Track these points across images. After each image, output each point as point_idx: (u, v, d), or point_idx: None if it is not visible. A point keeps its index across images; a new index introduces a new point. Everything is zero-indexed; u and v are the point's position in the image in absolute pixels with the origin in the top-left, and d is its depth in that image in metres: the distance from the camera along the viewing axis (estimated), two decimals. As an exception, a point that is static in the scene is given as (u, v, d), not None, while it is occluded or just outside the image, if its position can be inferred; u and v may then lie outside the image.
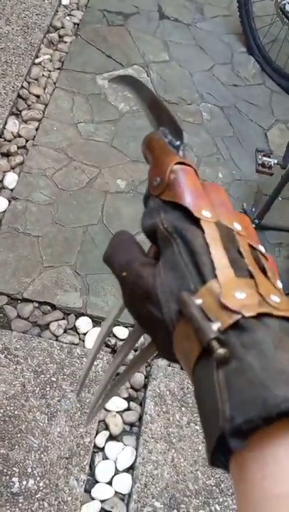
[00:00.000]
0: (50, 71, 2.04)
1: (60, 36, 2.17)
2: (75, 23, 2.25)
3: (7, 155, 1.75)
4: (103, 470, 1.29)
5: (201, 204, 0.35)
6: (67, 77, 2.05)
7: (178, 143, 0.40)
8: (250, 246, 0.35)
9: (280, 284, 0.34)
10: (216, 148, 2.02)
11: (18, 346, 1.38)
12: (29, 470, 1.24)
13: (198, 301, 0.30)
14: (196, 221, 0.34)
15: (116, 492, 1.28)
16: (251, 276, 0.32)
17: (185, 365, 0.31)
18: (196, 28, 2.46)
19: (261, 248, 0.36)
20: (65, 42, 2.16)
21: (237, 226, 0.36)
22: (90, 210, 1.70)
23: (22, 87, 1.92)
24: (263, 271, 0.34)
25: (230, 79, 2.31)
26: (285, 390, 0.24)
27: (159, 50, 2.29)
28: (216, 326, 0.28)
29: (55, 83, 2.00)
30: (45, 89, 1.97)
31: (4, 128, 1.80)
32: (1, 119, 1.81)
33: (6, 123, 1.81)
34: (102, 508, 1.25)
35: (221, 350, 0.27)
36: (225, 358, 0.27)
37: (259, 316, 0.29)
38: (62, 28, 2.20)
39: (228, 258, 0.32)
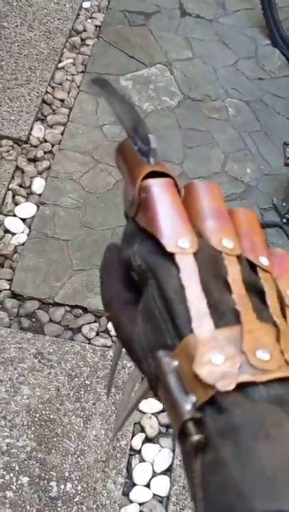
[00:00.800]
0: (73, 75, 2.05)
1: (82, 39, 2.18)
2: (96, 26, 2.25)
3: (34, 160, 1.76)
4: (140, 472, 1.29)
5: (178, 230, 0.29)
6: (90, 79, 2.05)
7: (146, 148, 0.33)
8: (249, 261, 0.30)
9: None
10: (243, 143, 2.00)
11: (51, 350, 1.38)
12: (66, 474, 1.24)
13: (175, 363, 0.25)
14: (170, 256, 0.28)
15: (154, 494, 1.27)
16: (239, 320, 0.26)
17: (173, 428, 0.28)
18: (219, 24, 2.43)
19: (262, 260, 0.30)
20: (88, 45, 2.17)
21: (227, 244, 0.29)
22: (117, 211, 1.69)
23: (46, 92, 1.93)
24: (262, 297, 0.28)
25: (255, 72, 2.28)
26: (264, 500, 0.20)
27: (181, 48, 2.27)
28: (190, 403, 0.24)
29: (78, 86, 2.01)
30: (69, 93, 1.97)
31: (30, 134, 1.82)
32: (27, 125, 1.82)
33: (31, 129, 1.83)
34: (140, 511, 1.25)
35: (195, 438, 0.23)
36: (201, 445, 0.23)
37: (241, 385, 0.24)
38: (84, 31, 2.21)
39: (206, 303, 0.26)
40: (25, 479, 1.23)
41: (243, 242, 0.30)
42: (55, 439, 1.27)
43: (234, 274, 0.28)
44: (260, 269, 0.30)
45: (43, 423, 1.29)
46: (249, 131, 2.04)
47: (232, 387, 0.23)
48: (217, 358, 0.24)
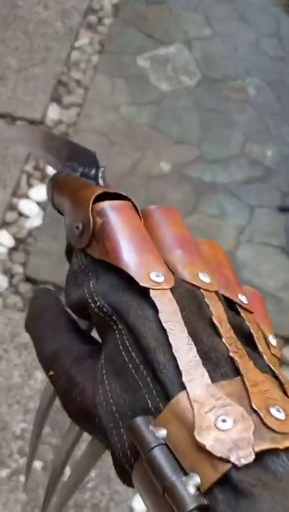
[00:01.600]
0: (90, 55, 2.01)
1: (99, 18, 2.13)
2: (114, 4, 2.20)
3: (49, 142, 1.73)
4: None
5: (147, 261, 0.23)
6: (107, 59, 2.01)
7: (93, 171, 0.29)
8: (226, 299, 0.25)
9: (273, 341, 0.24)
10: (264, 125, 1.94)
11: (65, 335, 1.37)
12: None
13: (162, 433, 0.19)
14: (143, 293, 0.22)
15: (168, 481, 1.26)
16: (236, 370, 0.21)
17: None
18: (239, 1, 2.36)
19: (241, 298, 0.25)
20: (105, 24, 2.12)
21: (204, 278, 0.24)
22: (134, 194, 1.64)
23: (62, 72, 1.90)
24: (249, 341, 0.23)
25: (277, 52, 2.21)
26: None
27: (201, 26, 2.21)
28: (193, 485, 0.18)
29: (95, 66, 1.97)
30: (85, 73, 1.94)
31: (45, 115, 1.79)
32: (42, 105, 1.79)
33: (47, 109, 1.80)
34: (154, 498, 1.24)
35: None
36: None
37: (258, 454, 0.18)
38: (101, 9, 2.16)
39: (197, 350, 0.21)
40: (39, 464, 1.22)
41: (217, 276, 0.25)
42: (68, 425, 1.26)
43: (219, 313, 0.23)
44: (241, 308, 0.25)
45: (56, 408, 1.27)
46: (270, 113, 1.99)
47: (252, 458, 0.18)
48: (223, 421, 0.19)
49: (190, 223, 1.69)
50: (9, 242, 1.53)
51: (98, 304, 0.23)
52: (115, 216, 0.25)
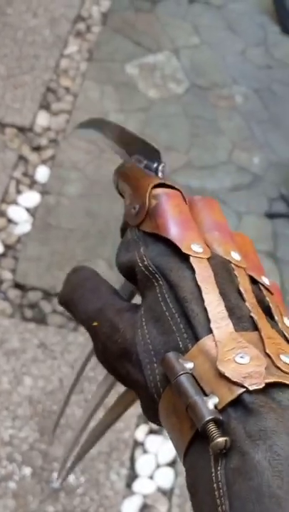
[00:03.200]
0: (78, 62, 2.02)
1: (87, 26, 2.15)
2: (102, 13, 2.22)
3: (38, 149, 1.74)
4: (144, 464, 1.28)
5: (190, 236, 0.28)
6: (96, 67, 2.02)
7: (155, 165, 0.34)
8: (251, 278, 0.29)
9: (288, 322, 0.28)
10: (251, 132, 1.96)
11: (54, 341, 1.37)
12: (69, 465, 1.23)
13: (189, 365, 0.24)
14: (184, 258, 0.27)
15: (158, 486, 1.26)
16: (255, 327, 0.25)
17: (175, 445, 0.24)
18: (227, 10, 2.39)
19: (264, 280, 0.30)
20: (93, 32, 2.13)
21: (235, 256, 0.29)
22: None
23: (51, 79, 1.91)
24: (268, 312, 0.27)
25: (264, 60, 2.24)
26: None
27: (189, 35, 2.23)
28: (212, 403, 0.22)
29: (84, 74, 1.98)
30: (74, 80, 1.95)
31: (34, 122, 1.80)
32: (31, 112, 1.80)
33: (36, 116, 1.80)
34: (144, 503, 1.24)
35: (220, 440, 0.21)
36: (225, 449, 0.21)
37: (267, 387, 0.22)
38: (90, 18, 2.18)
39: (224, 306, 0.25)
40: (27, 470, 1.22)
41: (246, 260, 0.30)
42: (57, 431, 1.26)
43: (245, 284, 0.28)
44: (263, 288, 0.29)
45: (45, 414, 1.28)
46: (257, 120, 2.01)
47: (262, 386, 0.22)
48: (242, 358, 0.23)
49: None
50: (-2, 248, 1.53)
51: (146, 262, 0.28)
52: (167, 200, 0.30)
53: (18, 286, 1.47)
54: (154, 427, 1.31)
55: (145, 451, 1.29)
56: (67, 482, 1.22)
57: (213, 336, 0.24)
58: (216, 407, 0.22)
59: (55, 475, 1.22)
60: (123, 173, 0.35)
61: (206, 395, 0.22)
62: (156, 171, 0.34)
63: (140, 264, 0.28)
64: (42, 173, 1.69)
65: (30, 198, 1.64)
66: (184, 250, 0.27)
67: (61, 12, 2.11)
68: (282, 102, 2.10)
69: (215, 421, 0.21)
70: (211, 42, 2.23)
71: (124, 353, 0.26)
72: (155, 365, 0.25)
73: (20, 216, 1.60)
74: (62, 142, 1.78)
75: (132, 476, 1.26)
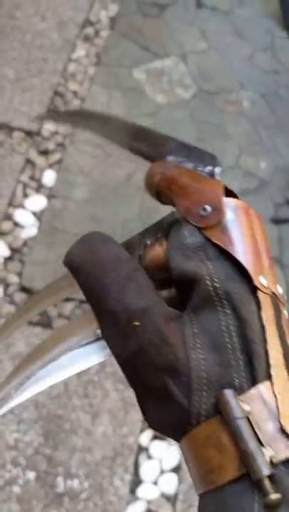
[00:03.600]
0: (86, 66, 2.02)
1: (96, 31, 2.15)
2: (110, 17, 2.23)
3: (45, 153, 1.75)
4: (148, 470, 1.27)
5: (259, 266, 0.27)
6: (103, 71, 2.03)
7: (209, 168, 0.32)
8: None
9: None
10: (258, 137, 1.96)
11: (60, 345, 1.37)
12: (73, 470, 1.23)
13: (246, 408, 0.24)
14: (252, 289, 0.26)
15: (162, 492, 1.26)
16: None
17: (199, 472, 0.24)
18: (235, 15, 2.39)
19: (279, 290, 0.29)
20: (101, 36, 2.14)
21: (279, 289, 0.28)
22: (128, 205, 1.67)
23: (59, 83, 1.92)
24: None
25: (272, 65, 2.24)
26: None
27: (196, 40, 2.23)
28: (268, 456, 0.22)
29: (92, 78, 1.99)
30: (82, 84, 1.95)
31: (42, 126, 1.80)
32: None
33: (43, 120, 1.81)
34: (148, 509, 1.23)
35: (274, 496, 0.22)
36: (276, 505, 0.22)
37: None
38: (98, 22, 2.18)
39: (282, 352, 0.25)
40: (32, 474, 1.22)
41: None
42: (62, 435, 1.26)
43: (286, 321, 0.27)
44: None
45: (50, 418, 1.28)
46: (264, 125, 2.01)
47: None
48: None
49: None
50: (4, 251, 1.54)
51: (216, 284, 0.26)
52: (244, 217, 0.28)
53: (24, 289, 1.47)
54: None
55: (149, 457, 1.29)
56: (71, 487, 1.21)
57: (272, 383, 0.24)
58: (271, 460, 0.22)
59: (59, 479, 1.22)
60: (171, 177, 0.32)
61: (261, 443, 0.23)
62: (212, 174, 0.32)
63: (208, 283, 0.26)
64: (49, 177, 1.70)
65: (37, 201, 1.64)
66: (255, 283, 0.26)
67: (69, 16, 2.12)
68: (288, 107, 2.10)
69: (270, 476, 0.22)
70: (218, 47, 2.23)
71: (171, 370, 0.25)
72: (204, 393, 0.25)
73: (26, 220, 1.60)
74: (70, 146, 1.78)
75: (136, 481, 1.26)
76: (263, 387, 0.24)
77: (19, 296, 1.46)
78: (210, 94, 2.05)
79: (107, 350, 0.29)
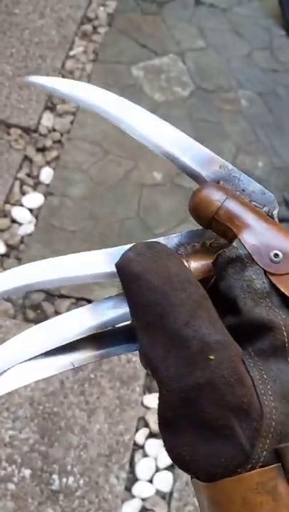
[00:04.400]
0: (84, 63, 2.02)
1: (94, 27, 2.15)
2: (108, 14, 2.22)
3: (42, 150, 1.74)
4: (144, 467, 1.28)
5: None
6: (101, 68, 2.02)
7: (266, 209, 0.31)
8: None
9: None
10: (256, 136, 1.96)
11: (56, 343, 1.37)
12: (69, 467, 1.23)
13: None
14: None
15: (157, 490, 1.26)
16: None
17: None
18: (233, 13, 2.39)
19: None
20: (99, 33, 2.13)
21: None
22: (126, 203, 1.67)
23: (56, 80, 1.91)
24: None
25: (270, 64, 2.24)
26: None
27: (194, 38, 2.23)
28: None
29: (89, 75, 1.98)
30: (79, 81, 1.95)
31: (39, 123, 1.79)
32: (36, 113, 1.80)
33: (41, 117, 1.80)
34: (142, 506, 1.23)
35: None
36: None
37: None
38: (96, 19, 2.18)
39: None
40: (27, 472, 1.22)
41: None
42: (58, 432, 1.26)
43: None
44: None
45: (46, 416, 1.28)
46: (261, 124, 2.01)
47: None
48: None
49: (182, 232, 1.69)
50: (1, 248, 1.53)
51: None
52: None
53: (20, 287, 1.47)
54: (155, 430, 1.31)
55: (145, 455, 1.29)
56: (66, 484, 1.21)
57: None
58: None
59: (54, 477, 1.22)
60: (233, 210, 0.30)
61: None
62: (271, 216, 0.31)
63: (285, 334, 0.26)
64: (46, 174, 1.69)
65: (34, 198, 1.64)
66: None
67: (67, 13, 2.11)
68: (286, 106, 2.09)
69: None
70: (216, 45, 2.23)
71: (242, 413, 0.25)
72: (268, 441, 0.25)
73: (23, 217, 1.60)
74: (67, 144, 1.78)
75: (132, 479, 1.26)
76: None
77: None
78: (208, 92, 2.05)
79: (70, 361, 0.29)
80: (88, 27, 2.13)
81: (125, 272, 0.27)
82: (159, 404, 0.26)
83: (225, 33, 2.30)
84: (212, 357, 0.25)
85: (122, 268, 0.27)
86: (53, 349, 0.29)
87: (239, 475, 0.24)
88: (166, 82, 2.04)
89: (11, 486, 1.20)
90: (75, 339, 0.29)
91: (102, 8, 2.22)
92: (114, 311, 0.29)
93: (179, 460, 0.26)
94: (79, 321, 0.29)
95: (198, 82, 2.07)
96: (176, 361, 0.25)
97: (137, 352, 0.27)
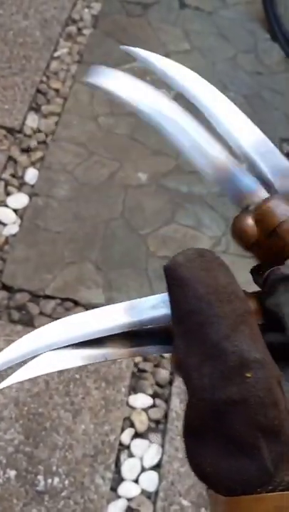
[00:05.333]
0: (69, 64, 2.02)
1: (78, 29, 2.15)
2: (93, 15, 2.22)
3: (27, 150, 1.74)
4: (129, 468, 1.28)
5: None
6: (86, 70, 2.01)
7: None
8: None
9: None
10: (240, 138, 1.98)
11: (41, 343, 1.36)
12: (54, 468, 1.23)
13: None
14: None
15: (143, 490, 1.26)
16: None
17: None
18: (218, 16, 2.41)
19: None
20: (84, 34, 2.14)
21: None
22: (111, 204, 1.67)
23: (41, 81, 1.91)
24: None
25: (254, 67, 2.26)
26: None
27: (179, 40, 2.24)
28: None
29: (74, 76, 1.98)
30: (64, 83, 1.95)
31: (24, 123, 1.79)
32: (21, 114, 1.79)
33: (25, 118, 1.80)
34: (128, 506, 1.24)
35: None
36: None
37: None
38: (81, 20, 2.18)
39: None
40: (12, 472, 1.21)
41: None
42: (43, 433, 1.26)
43: None
44: None
45: (31, 416, 1.27)
46: (246, 126, 2.02)
47: None
48: None
49: (166, 233, 1.71)
50: (-15, 249, 1.52)
51: None
52: None
53: (5, 287, 1.47)
54: (140, 430, 1.31)
55: (130, 455, 1.29)
56: (51, 485, 1.21)
57: None
58: None
59: (40, 478, 1.22)
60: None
61: None
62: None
63: None
64: (31, 175, 1.69)
65: (19, 199, 1.63)
66: None
67: (52, 14, 2.11)
68: (271, 109, 2.12)
69: None
70: (201, 48, 2.25)
71: (272, 435, 0.25)
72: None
73: (8, 217, 1.59)
74: (52, 144, 1.78)
75: (117, 479, 1.26)
76: None
77: (0, 295, 1.45)
78: (193, 94, 2.06)
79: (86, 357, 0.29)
80: (73, 28, 2.13)
81: (173, 276, 0.27)
82: (187, 412, 0.26)
83: (210, 36, 2.31)
84: (249, 375, 0.25)
85: (171, 271, 0.27)
86: (87, 341, 0.29)
87: (259, 494, 0.24)
88: (151, 84, 2.04)
89: (-4, 488, 1.19)
90: (109, 334, 0.29)
91: (86, 10, 2.23)
92: (153, 311, 0.28)
93: (200, 470, 0.26)
94: (113, 318, 0.29)
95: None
96: (211, 372, 0.25)
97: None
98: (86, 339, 0.29)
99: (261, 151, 0.32)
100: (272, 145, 0.32)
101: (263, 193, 0.31)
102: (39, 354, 0.29)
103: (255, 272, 0.31)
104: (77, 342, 0.29)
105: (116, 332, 0.29)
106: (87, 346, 0.29)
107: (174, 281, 0.27)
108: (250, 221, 0.30)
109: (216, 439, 0.25)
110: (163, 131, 0.32)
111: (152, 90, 0.33)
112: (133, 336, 0.30)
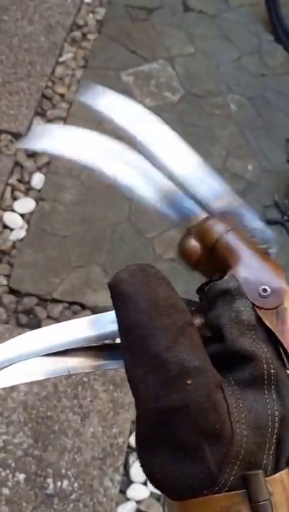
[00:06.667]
0: (74, 69, 2.03)
1: (83, 34, 2.16)
2: (98, 20, 2.24)
3: (33, 155, 1.75)
4: (138, 470, 1.28)
5: None
6: (91, 74, 2.03)
7: (264, 246, 0.32)
8: None
9: None
10: (245, 140, 1.98)
11: (49, 347, 1.37)
12: (63, 471, 1.23)
13: (270, 489, 0.26)
14: None
15: (152, 492, 1.26)
16: None
17: None
18: (222, 19, 2.41)
19: None
20: (89, 39, 2.15)
21: None
22: (117, 208, 1.68)
23: (46, 86, 1.92)
24: None
25: (258, 69, 2.26)
26: None
27: (184, 43, 2.25)
28: None
29: (79, 81, 1.99)
30: (69, 87, 1.96)
31: (30, 128, 1.80)
32: (27, 119, 1.81)
33: (31, 123, 1.81)
34: (137, 509, 1.24)
35: None
36: None
37: None
38: (86, 25, 2.19)
39: None
40: (21, 476, 1.22)
41: None
42: (52, 436, 1.26)
43: None
44: None
45: (39, 420, 1.28)
46: (251, 128, 2.03)
47: None
48: None
49: (173, 236, 1.71)
50: (-7, 254, 1.54)
51: (271, 370, 0.28)
52: None
53: (13, 291, 1.48)
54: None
55: (139, 457, 1.29)
56: (61, 488, 1.22)
57: None
58: None
59: (49, 481, 1.22)
60: (233, 243, 0.31)
61: None
62: (268, 254, 0.32)
63: (265, 367, 0.27)
64: (37, 180, 1.70)
65: (26, 204, 1.64)
66: None
67: (57, 19, 2.13)
68: (275, 110, 2.12)
69: None
70: (205, 50, 2.25)
71: (213, 437, 0.26)
72: (236, 467, 0.26)
73: (15, 222, 1.60)
74: (58, 149, 1.78)
75: (126, 482, 1.27)
76: (285, 474, 0.26)
77: (7, 298, 1.46)
78: (197, 97, 2.07)
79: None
80: (78, 33, 2.15)
81: (116, 292, 0.28)
82: (137, 422, 0.27)
83: (214, 39, 2.32)
84: (189, 382, 0.26)
85: (114, 287, 0.28)
86: (50, 353, 0.30)
87: (205, 497, 0.26)
88: (155, 88, 2.05)
89: (5, 491, 1.20)
90: (70, 347, 0.30)
91: (91, 15, 2.24)
92: (114, 325, 0.29)
93: (151, 477, 0.27)
94: (77, 331, 0.30)
95: (187, 87, 2.09)
96: (154, 382, 0.26)
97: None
98: (50, 352, 0.30)
99: (198, 176, 0.34)
100: (208, 169, 0.34)
101: (203, 214, 0.33)
102: (6, 366, 0.30)
103: (200, 291, 0.32)
104: (41, 354, 0.30)
105: (80, 345, 0.30)
106: (55, 359, 0.30)
107: (118, 296, 0.28)
108: (193, 241, 0.32)
109: (163, 446, 0.26)
110: (109, 174, 0.35)
111: (98, 137, 0.35)
112: (99, 351, 0.31)
